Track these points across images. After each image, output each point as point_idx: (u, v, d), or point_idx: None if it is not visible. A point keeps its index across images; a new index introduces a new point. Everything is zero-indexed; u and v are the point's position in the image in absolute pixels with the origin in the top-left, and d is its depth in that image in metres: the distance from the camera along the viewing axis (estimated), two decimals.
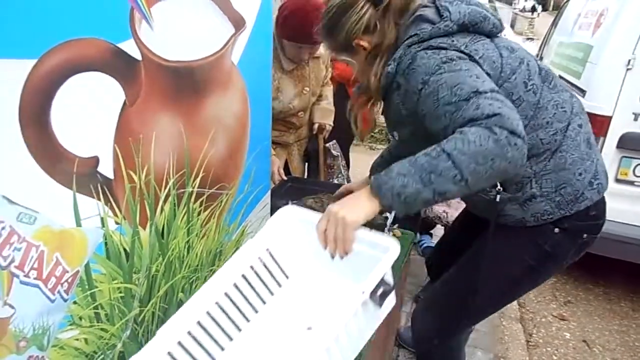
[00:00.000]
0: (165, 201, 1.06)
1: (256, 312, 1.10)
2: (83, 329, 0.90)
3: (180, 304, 1.20)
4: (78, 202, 0.83)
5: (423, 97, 1.06)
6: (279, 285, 1.14)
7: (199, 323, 0.99)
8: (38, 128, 0.74)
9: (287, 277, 1.15)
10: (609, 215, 2.06)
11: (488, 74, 1.06)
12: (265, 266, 1.12)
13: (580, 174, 1.18)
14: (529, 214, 1.20)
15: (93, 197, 0.87)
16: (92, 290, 0.90)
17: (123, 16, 0.86)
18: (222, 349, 1.02)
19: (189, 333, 0.97)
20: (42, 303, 0.80)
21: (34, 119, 0.73)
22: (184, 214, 1.14)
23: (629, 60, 2.37)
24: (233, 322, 1.05)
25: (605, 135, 2.47)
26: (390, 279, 0.96)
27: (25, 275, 0.75)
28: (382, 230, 1.78)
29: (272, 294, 1.12)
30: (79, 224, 0.84)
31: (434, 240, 3.04)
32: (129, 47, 0.88)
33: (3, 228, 0.70)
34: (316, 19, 1.36)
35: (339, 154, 2.28)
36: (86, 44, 0.79)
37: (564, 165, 1.17)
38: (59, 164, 0.79)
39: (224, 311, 1.03)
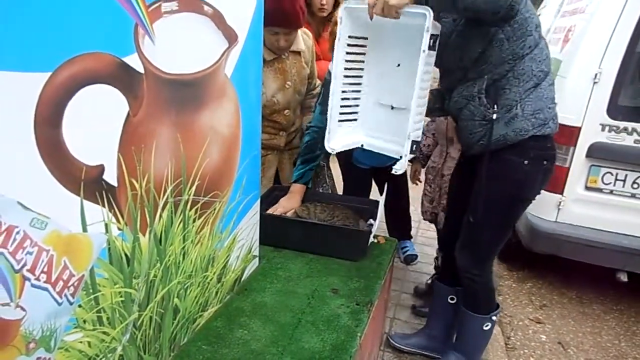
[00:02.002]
0: (163, 208, 1.10)
1: (362, 69, 1.77)
2: (87, 332, 0.93)
3: (175, 309, 1.23)
4: (85, 208, 0.87)
5: None
6: (365, 46, 1.74)
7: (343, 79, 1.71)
8: (51, 137, 0.77)
9: (367, 38, 1.72)
10: (579, 222, 2.35)
11: None
12: (354, 45, 1.70)
13: (549, 108, 1.65)
14: (511, 129, 1.61)
15: (98, 204, 0.90)
16: (96, 294, 0.93)
17: (128, 31, 0.91)
18: (360, 88, 1.79)
19: (342, 91, 1.73)
20: (51, 306, 0.82)
21: (47, 128, 0.76)
22: (180, 221, 1.18)
23: (596, 74, 2.52)
24: (356, 76, 1.76)
25: (575, 145, 2.61)
26: (435, 29, 1.44)
27: (36, 279, 0.78)
28: (368, 238, 1.85)
29: (365, 54, 1.75)
30: (85, 230, 0.88)
31: (416, 248, 3.13)
32: (133, 60, 0.93)
33: (17, 232, 0.73)
34: (288, 3, 1.88)
35: (324, 163, 2.34)
36: (95, 58, 0.83)
37: (541, 97, 1.61)
38: (69, 171, 0.82)
39: (350, 71, 1.73)
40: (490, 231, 1.77)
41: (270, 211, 1.94)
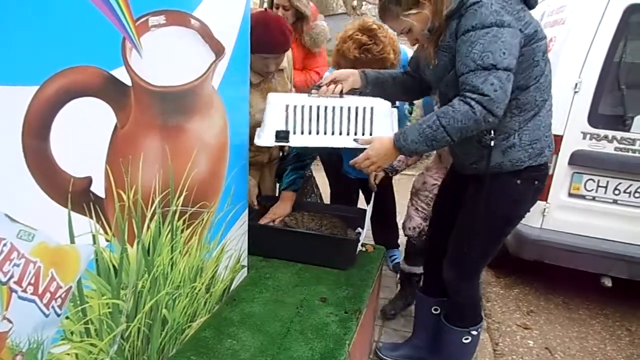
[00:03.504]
0: (151, 219, 1.11)
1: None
2: (74, 343, 0.93)
3: (164, 320, 1.23)
4: (72, 220, 0.87)
5: (463, 40, 1.42)
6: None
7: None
8: (38, 150, 0.78)
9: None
10: (563, 228, 2.29)
11: (526, 35, 1.44)
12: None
13: (546, 137, 1.62)
14: (507, 159, 1.59)
15: (86, 215, 0.91)
16: (83, 306, 0.93)
17: (115, 45, 0.92)
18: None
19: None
20: (38, 318, 0.82)
21: (35, 141, 0.77)
22: (168, 231, 1.19)
23: (576, 84, 2.57)
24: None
25: (557, 153, 2.65)
26: None
27: (23, 291, 0.78)
28: (356, 247, 1.86)
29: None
30: (72, 241, 0.88)
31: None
32: (121, 73, 0.94)
33: (4, 245, 0.74)
34: (277, 30, 1.87)
35: (310, 174, 2.36)
36: (83, 71, 0.84)
37: (539, 127, 1.58)
38: (56, 183, 0.83)
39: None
40: (479, 248, 1.75)
41: (262, 220, 1.95)
